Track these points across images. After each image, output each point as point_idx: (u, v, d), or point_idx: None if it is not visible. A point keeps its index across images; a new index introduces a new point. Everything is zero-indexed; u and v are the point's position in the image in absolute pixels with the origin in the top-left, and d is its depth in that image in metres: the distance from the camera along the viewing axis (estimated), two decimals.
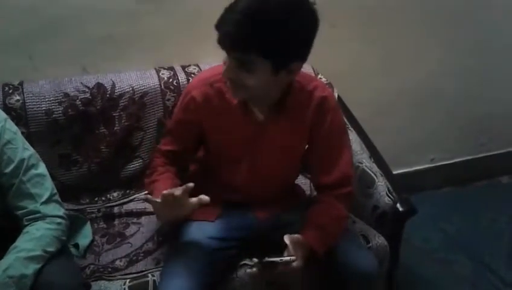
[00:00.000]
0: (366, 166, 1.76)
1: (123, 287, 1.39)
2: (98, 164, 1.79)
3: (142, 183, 1.68)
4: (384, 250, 1.61)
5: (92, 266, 1.50)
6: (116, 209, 1.76)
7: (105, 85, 1.74)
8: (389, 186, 1.69)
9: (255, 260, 1.31)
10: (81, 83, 1.72)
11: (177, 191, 1.23)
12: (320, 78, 1.93)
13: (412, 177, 2.58)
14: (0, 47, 1.68)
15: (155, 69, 1.84)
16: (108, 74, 1.77)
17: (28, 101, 1.65)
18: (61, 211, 1.36)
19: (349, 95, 1.96)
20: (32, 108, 1.65)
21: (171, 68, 1.85)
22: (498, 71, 2.52)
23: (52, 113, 1.67)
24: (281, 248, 1.34)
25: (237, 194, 1.53)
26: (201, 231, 1.45)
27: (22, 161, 1.32)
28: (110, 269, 1.49)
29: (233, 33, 1.17)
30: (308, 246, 1.34)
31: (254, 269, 1.34)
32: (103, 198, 1.81)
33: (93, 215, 1.73)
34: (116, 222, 1.71)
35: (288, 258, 1.29)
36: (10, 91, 1.65)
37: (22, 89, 1.66)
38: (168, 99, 1.80)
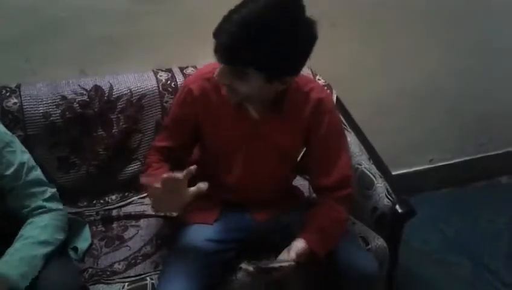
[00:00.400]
0: (365, 167, 1.76)
1: None
2: (96, 166, 1.78)
3: (141, 186, 1.69)
4: (383, 252, 1.61)
5: (90, 270, 1.49)
6: (114, 212, 1.75)
7: (103, 87, 1.74)
8: (388, 187, 1.69)
9: (251, 268, 1.29)
10: (79, 85, 1.72)
11: (179, 174, 1.20)
12: (319, 79, 1.93)
13: (411, 178, 2.58)
14: None
15: (153, 71, 1.83)
16: (106, 76, 1.76)
17: (25, 104, 1.64)
18: (61, 206, 1.42)
19: (348, 96, 1.96)
20: (30, 111, 1.65)
21: (169, 70, 1.85)
22: (498, 71, 2.52)
23: (49, 116, 1.67)
24: (280, 250, 1.35)
25: (233, 193, 1.51)
26: (200, 233, 1.44)
27: (22, 164, 1.35)
28: (108, 273, 1.49)
29: (228, 45, 1.17)
30: (309, 249, 1.33)
31: (250, 272, 1.32)
32: (101, 201, 1.80)
33: (92, 218, 1.72)
34: (115, 225, 1.70)
35: (286, 263, 1.29)
36: (7, 94, 1.64)
37: (20, 91, 1.66)
38: (166, 102, 1.79)
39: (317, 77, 1.94)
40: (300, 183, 1.79)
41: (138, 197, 1.82)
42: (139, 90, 1.77)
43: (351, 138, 1.85)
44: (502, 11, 2.39)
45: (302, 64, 1.26)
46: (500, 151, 2.80)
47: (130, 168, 1.83)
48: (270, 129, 1.43)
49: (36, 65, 1.75)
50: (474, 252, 2.27)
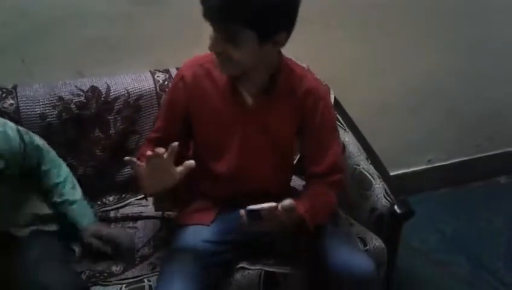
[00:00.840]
0: (363, 168, 1.76)
1: None
2: (93, 167, 1.78)
3: (138, 187, 1.69)
4: (381, 252, 1.61)
5: (88, 272, 1.48)
6: (112, 214, 1.74)
7: (100, 88, 1.73)
8: (387, 188, 1.69)
9: (243, 211, 1.28)
10: (76, 86, 1.71)
11: (161, 149, 1.20)
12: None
13: (409, 178, 2.58)
14: None
15: (150, 71, 1.83)
16: (103, 77, 1.76)
17: (21, 105, 1.64)
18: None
19: (346, 96, 1.96)
20: (26, 112, 1.64)
21: (166, 71, 1.85)
22: (497, 71, 2.52)
23: (46, 117, 1.66)
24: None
25: (228, 184, 1.48)
26: (197, 235, 1.43)
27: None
28: (106, 274, 1.48)
29: (217, 4, 1.17)
30: (296, 211, 1.28)
31: (243, 220, 1.29)
32: (99, 202, 1.79)
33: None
34: (112, 226, 1.69)
35: (271, 204, 1.25)
36: (4, 95, 1.63)
37: (16, 92, 1.65)
38: None
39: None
40: (297, 183, 1.78)
41: (136, 198, 1.81)
42: (136, 91, 1.77)
43: (349, 138, 1.85)
44: (502, 11, 2.38)
45: (291, 19, 1.25)
46: (498, 151, 2.80)
47: (127, 170, 1.82)
48: (263, 114, 1.42)
49: (32, 66, 1.74)
50: (473, 252, 2.27)
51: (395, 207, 1.63)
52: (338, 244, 1.42)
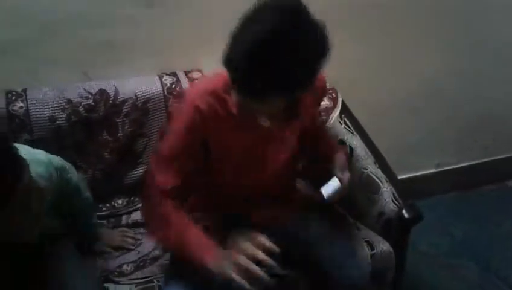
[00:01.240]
0: (371, 172, 1.75)
1: None
2: (101, 170, 1.79)
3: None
4: (389, 257, 1.61)
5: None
6: (123, 221, 1.77)
7: (108, 91, 1.75)
8: (395, 192, 1.68)
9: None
10: (84, 89, 1.73)
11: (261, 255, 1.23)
12: None
13: (418, 182, 2.57)
14: (2, 53, 1.69)
15: (158, 75, 1.84)
16: (111, 80, 1.77)
17: (31, 107, 1.65)
18: None
19: (351, 97, 1.96)
20: (36, 115, 1.66)
21: (173, 74, 1.86)
22: (497, 71, 2.49)
23: (55, 119, 1.68)
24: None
25: (236, 198, 1.45)
26: None
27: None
28: (116, 273, 1.51)
29: (248, 82, 1.11)
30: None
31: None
32: (107, 205, 1.81)
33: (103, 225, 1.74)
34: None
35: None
36: (13, 98, 1.65)
37: (26, 95, 1.67)
38: (171, 105, 1.80)
39: None
40: None
41: None
42: (144, 94, 1.78)
43: (356, 141, 1.84)
44: (502, 11, 2.37)
45: (321, 69, 1.18)
46: (508, 155, 2.78)
47: (135, 172, 1.84)
48: (281, 136, 1.40)
49: (42, 69, 1.76)
50: (483, 256, 2.26)
51: (403, 211, 1.62)
52: (333, 248, 1.45)
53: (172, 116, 1.43)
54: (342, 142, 1.83)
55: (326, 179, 1.42)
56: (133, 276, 1.50)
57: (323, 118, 1.90)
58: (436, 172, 2.66)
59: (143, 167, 1.83)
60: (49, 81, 1.74)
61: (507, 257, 2.26)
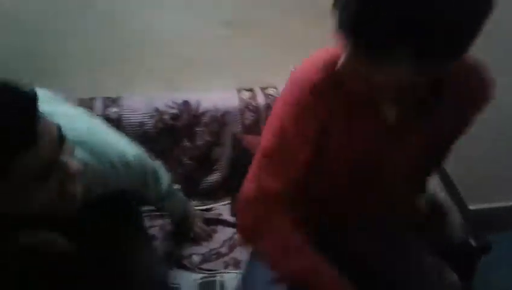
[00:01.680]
0: (440, 197, 1.70)
1: (195, 281, 1.53)
2: (181, 174, 1.93)
3: (219, 195, 1.93)
4: (456, 286, 1.54)
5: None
6: None
7: (191, 103, 1.90)
8: (464, 220, 1.63)
9: None
10: (171, 99, 1.90)
11: None
12: None
13: (492, 213, 2.49)
14: (102, 66, 1.88)
15: (236, 90, 1.97)
16: (194, 93, 1.92)
17: (124, 113, 1.84)
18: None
19: None
20: (127, 120, 1.84)
21: (251, 90, 1.99)
22: None
23: (144, 125, 1.86)
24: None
25: (341, 225, 1.18)
26: None
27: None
28: (187, 261, 1.64)
29: (362, 21, 0.80)
30: None
31: None
32: None
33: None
34: None
35: None
36: (109, 104, 1.86)
37: (120, 102, 1.86)
38: (247, 118, 1.93)
39: None
40: None
41: (216, 204, 1.95)
42: (222, 107, 1.92)
43: None
44: (502, 11, 2.23)
45: (470, 43, 0.84)
46: None
47: (210, 178, 1.98)
48: (409, 130, 1.06)
49: (135, 80, 1.94)
50: None
51: (471, 240, 1.55)
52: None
53: (277, 103, 1.09)
54: None
55: None
56: (199, 266, 1.62)
57: None
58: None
59: (217, 174, 1.97)
60: (141, 91, 1.92)
61: None
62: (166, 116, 1.89)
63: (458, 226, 1.62)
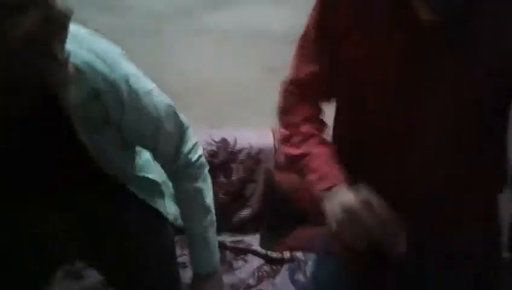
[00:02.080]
0: None
1: None
2: (215, 209, 2.04)
3: (249, 229, 2.00)
4: None
5: None
6: (228, 243, 1.95)
7: (229, 140, 2.03)
8: None
9: None
10: (210, 136, 2.03)
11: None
12: None
13: None
14: None
15: (271, 129, 2.09)
16: (231, 131, 2.05)
17: None
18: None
19: None
20: None
21: None
22: None
23: None
24: None
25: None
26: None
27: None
28: None
29: None
30: None
31: None
32: None
33: None
34: (227, 252, 1.91)
35: None
36: None
37: None
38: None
39: None
40: None
41: (246, 237, 2.02)
42: (257, 145, 2.04)
43: None
44: None
45: None
46: None
47: (242, 213, 2.07)
48: (452, 54, 0.84)
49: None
50: None
51: None
52: None
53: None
54: None
55: None
56: None
57: None
58: None
59: (249, 209, 2.07)
60: None
61: None
62: (205, 152, 1.99)
63: None
